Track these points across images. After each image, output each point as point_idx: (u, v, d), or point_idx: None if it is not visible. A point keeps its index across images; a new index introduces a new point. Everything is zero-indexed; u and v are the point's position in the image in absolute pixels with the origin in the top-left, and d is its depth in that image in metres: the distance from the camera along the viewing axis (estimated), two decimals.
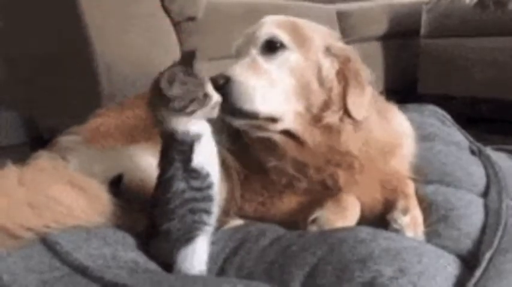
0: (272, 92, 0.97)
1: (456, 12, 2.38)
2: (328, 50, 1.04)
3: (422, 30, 2.52)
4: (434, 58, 2.48)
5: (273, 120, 0.99)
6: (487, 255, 0.83)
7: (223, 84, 0.93)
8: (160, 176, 0.84)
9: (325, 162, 1.02)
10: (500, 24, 2.23)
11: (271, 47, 1.00)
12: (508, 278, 0.77)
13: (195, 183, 0.82)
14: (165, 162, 0.84)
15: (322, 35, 1.06)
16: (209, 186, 0.83)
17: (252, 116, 0.96)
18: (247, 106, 0.94)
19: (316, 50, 1.03)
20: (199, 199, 0.82)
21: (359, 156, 1.03)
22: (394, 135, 1.12)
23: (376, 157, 1.06)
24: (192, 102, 0.81)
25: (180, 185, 0.81)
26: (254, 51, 1.01)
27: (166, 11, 1.71)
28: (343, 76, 1.02)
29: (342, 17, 2.47)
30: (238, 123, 0.99)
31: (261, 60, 1.00)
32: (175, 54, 1.78)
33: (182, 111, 0.81)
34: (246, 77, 0.95)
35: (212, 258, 0.86)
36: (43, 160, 1.00)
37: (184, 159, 0.82)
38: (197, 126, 0.83)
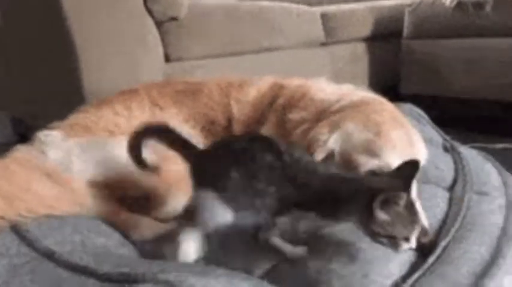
0: None
1: (437, 14, 2.43)
2: None
3: (405, 32, 2.57)
4: (416, 59, 2.53)
5: None
6: (443, 243, 0.86)
7: None
8: None
9: None
10: (478, 26, 2.28)
11: None
12: (457, 264, 0.80)
13: None
14: None
15: None
16: None
17: None
18: None
19: None
20: None
21: None
22: None
23: None
24: None
25: None
26: None
27: (149, 11, 1.74)
28: None
29: (326, 18, 2.51)
30: None
31: None
32: (159, 54, 1.81)
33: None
34: None
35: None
36: (19, 152, 1.03)
37: None
38: None
